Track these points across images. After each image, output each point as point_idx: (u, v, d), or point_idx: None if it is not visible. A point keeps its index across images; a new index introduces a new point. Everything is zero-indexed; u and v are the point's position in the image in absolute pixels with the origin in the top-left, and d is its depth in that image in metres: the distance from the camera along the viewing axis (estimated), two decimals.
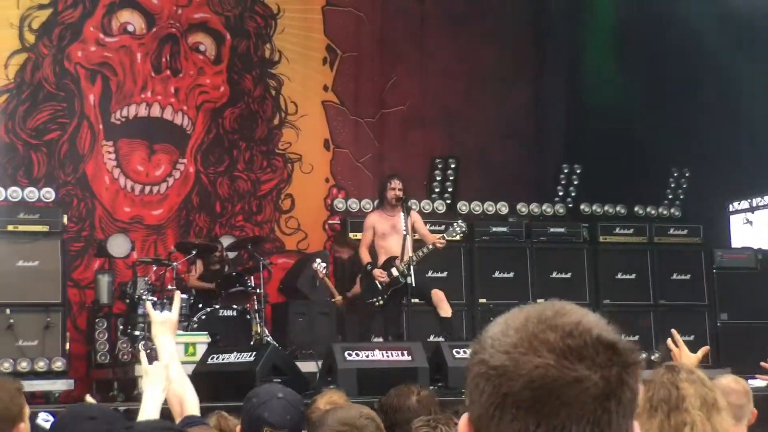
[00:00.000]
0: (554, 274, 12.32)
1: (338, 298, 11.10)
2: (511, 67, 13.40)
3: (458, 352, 9.30)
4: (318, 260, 10.91)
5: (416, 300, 10.10)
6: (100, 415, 3.00)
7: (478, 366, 1.30)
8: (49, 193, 10.87)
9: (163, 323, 3.53)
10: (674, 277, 12.64)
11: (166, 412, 3.35)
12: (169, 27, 12.89)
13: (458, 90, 13.56)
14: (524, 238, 12.34)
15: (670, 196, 13.34)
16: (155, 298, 10.43)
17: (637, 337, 11.59)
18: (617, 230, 12.73)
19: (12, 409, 3.16)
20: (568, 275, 12.38)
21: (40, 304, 10.36)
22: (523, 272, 12.12)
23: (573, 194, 13.13)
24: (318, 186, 13.40)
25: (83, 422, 2.93)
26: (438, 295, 9.79)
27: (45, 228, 10.55)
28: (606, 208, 12.98)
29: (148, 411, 3.33)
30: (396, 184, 9.98)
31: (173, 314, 3.57)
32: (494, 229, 12.25)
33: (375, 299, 9.88)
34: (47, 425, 3.56)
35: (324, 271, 10.77)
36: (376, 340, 10.47)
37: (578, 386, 1.25)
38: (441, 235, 9.92)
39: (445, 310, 9.75)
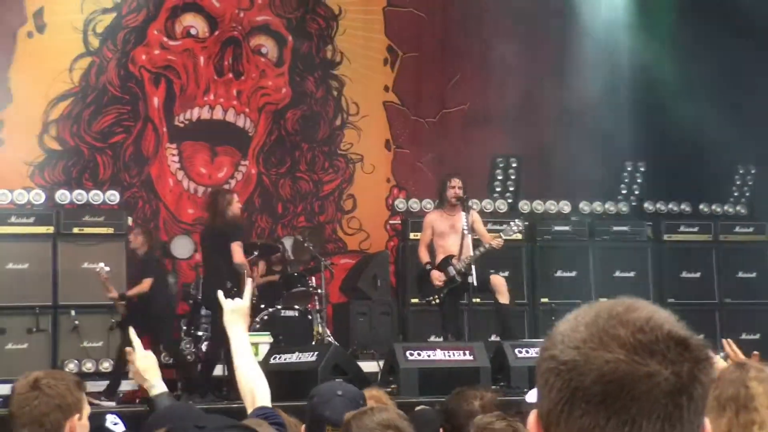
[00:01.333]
0: (617, 273, 12.19)
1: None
2: (573, 64, 13.26)
3: (520, 352, 9.26)
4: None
5: (477, 299, 10.06)
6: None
7: (548, 362, 1.30)
8: (113, 196, 11.02)
9: (234, 311, 3.42)
10: (740, 275, 12.45)
11: (233, 412, 3.36)
12: (231, 30, 12.99)
13: (520, 88, 13.47)
14: (587, 236, 12.24)
15: (735, 194, 13.13)
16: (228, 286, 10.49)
17: (702, 336, 11.43)
18: (682, 228, 12.56)
19: (68, 398, 3.18)
20: (632, 274, 12.25)
21: (104, 306, 10.51)
22: (586, 271, 12.01)
23: (636, 192, 12.98)
24: (379, 186, 13.41)
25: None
26: (498, 280, 9.74)
27: (110, 230, 10.72)
28: (670, 206, 12.82)
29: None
30: (456, 182, 9.95)
31: (245, 301, 3.44)
32: (556, 227, 12.17)
33: (432, 297, 9.87)
34: (116, 429, 3.57)
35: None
36: (434, 339, 10.46)
37: (649, 381, 1.25)
38: (498, 234, 9.86)
39: (504, 296, 9.66)
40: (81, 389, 3.23)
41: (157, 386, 3.52)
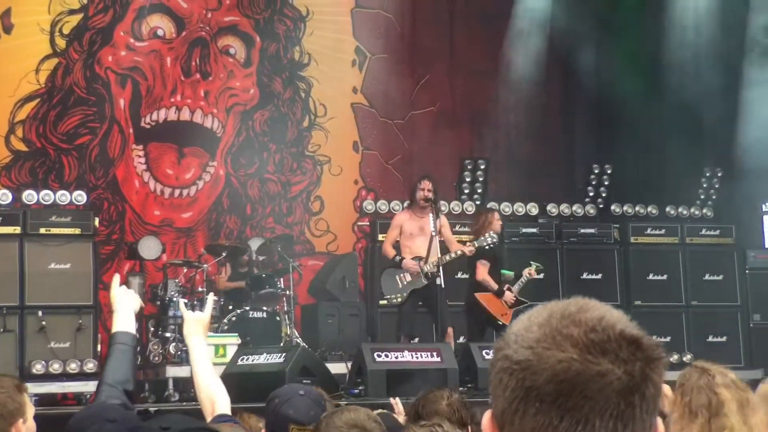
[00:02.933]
0: (585, 275, 12.27)
1: None
2: (539, 66, 13.33)
3: (488, 353, 9.31)
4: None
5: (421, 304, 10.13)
6: (121, 418, 2.99)
7: (502, 361, 1.31)
8: (80, 197, 10.93)
9: (196, 322, 3.55)
10: (706, 278, 12.54)
11: (196, 413, 3.36)
12: (198, 30, 12.94)
13: (488, 90, 13.53)
14: (554, 239, 12.30)
15: (702, 197, 13.23)
16: (186, 300, 10.47)
17: (668, 338, 11.53)
18: (648, 231, 12.64)
19: (8, 405, 3.17)
20: (599, 276, 12.33)
21: (72, 306, 10.45)
22: (554, 273, 12.05)
23: (604, 195, 13.05)
24: (347, 188, 13.41)
25: (102, 424, 2.91)
26: (449, 332, 9.87)
27: (77, 231, 10.64)
28: (637, 208, 12.90)
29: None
30: (426, 184, 10.02)
31: (206, 314, 3.58)
32: (524, 230, 12.22)
33: (394, 296, 9.92)
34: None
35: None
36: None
37: (601, 380, 1.25)
38: (472, 242, 10.01)
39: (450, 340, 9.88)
40: (22, 392, 3.22)
41: (119, 323, 3.34)
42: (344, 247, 13.01)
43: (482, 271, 10.20)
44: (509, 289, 10.29)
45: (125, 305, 3.36)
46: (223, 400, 3.33)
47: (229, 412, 3.27)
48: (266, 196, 13.09)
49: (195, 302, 10.47)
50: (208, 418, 3.27)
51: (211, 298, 3.80)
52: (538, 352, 1.27)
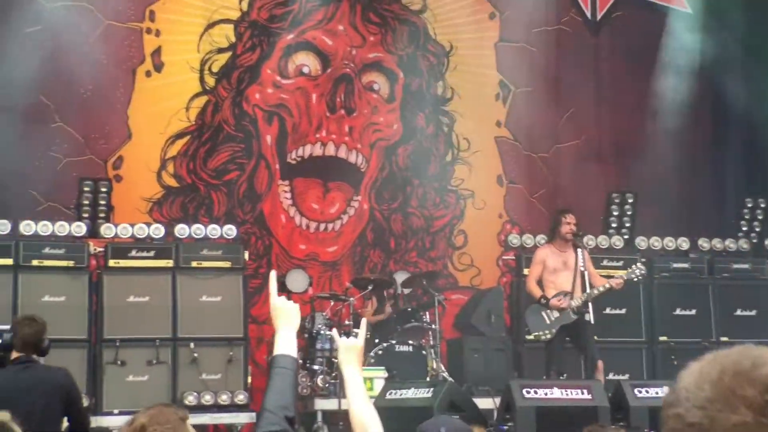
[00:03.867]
0: (738, 312, 11.89)
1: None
2: (687, 98, 13.05)
3: (640, 392, 9.10)
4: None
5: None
6: None
7: (674, 420, 1.26)
8: (231, 230, 11.14)
9: (349, 350, 3.44)
10: None
11: None
12: (343, 67, 13.12)
13: (634, 123, 13.31)
14: (706, 274, 11.98)
15: None
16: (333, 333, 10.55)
17: None
18: None
19: None
20: (753, 312, 11.94)
21: (223, 339, 10.62)
22: (706, 309, 11.74)
23: (757, 229, 12.65)
24: (491, 222, 13.33)
25: None
26: (599, 366, 9.66)
27: (227, 264, 10.84)
28: None
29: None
30: (571, 218, 9.93)
31: (359, 340, 3.48)
32: (675, 264, 11.93)
33: (542, 333, 9.79)
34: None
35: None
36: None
37: None
38: (620, 276, 9.83)
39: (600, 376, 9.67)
40: (185, 424, 3.24)
41: (280, 345, 3.23)
42: (488, 281, 12.92)
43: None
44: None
45: (286, 323, 3.29)
46: (375, 430, 3.28)
47: None
48: (409, 230, 13.13)
49: (342, 335, 10.51)
50: None
51: (364, 323, 3.74)
52: (710, 415, 1.22)
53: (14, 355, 6.37)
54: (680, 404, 1.26)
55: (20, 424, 6.18)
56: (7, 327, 6.45)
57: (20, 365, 6.32)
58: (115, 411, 9.97)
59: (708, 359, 1.29)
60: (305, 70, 13.02)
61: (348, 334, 10.15)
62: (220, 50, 12.76)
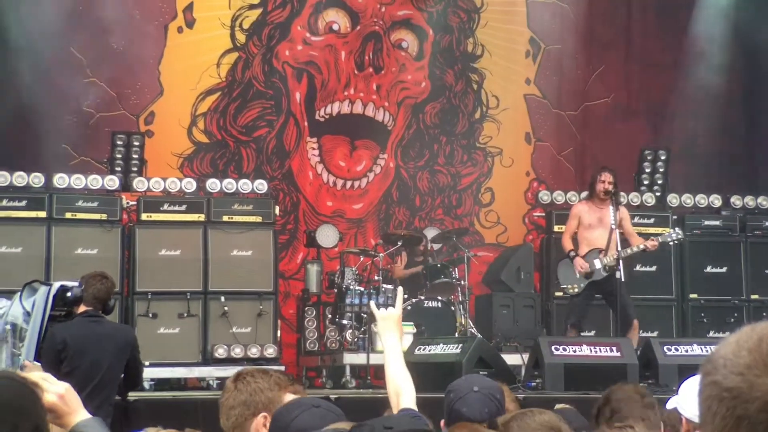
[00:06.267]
0: None
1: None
2: (720, 55, 12.93)
3: (669, 349, 9.12)
4: None
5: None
6: (326, 404, 3.04)
7: (710, 387, 1.27)
8: (261, 185, 11.15)
9: (386, 319, 3.52)
10: None
11: (372, 401, 3.39)
12: (372, 25, 13.07)
13: (665, 81, 13.21)
14: (738, 231, 11.89)
15: None
16: (362, 288, 10.62)
17: None
18: None
19: (256, 396, 3.14)
20: None
21: (253, 293, 10.68)
22: (737, 267, 11.68)
23: None
24: (518, 179, 13.32)
25: (308, 409, 2.97)
26: (635, 324, 9.64)
27: (258, 219, 10.88)
28: None
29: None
30: (607, 177, 9.89)
31: (396, 310, 3.55)
32: (706, 222, 11.86)
33: (570, 286, 9.79)
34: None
35: None
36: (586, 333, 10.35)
37: None
38: (656, 238, 9.80)
39: (635, 337, 9.61)
40: (281, 388, 3.19)
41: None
42: (514, 239, 12.93)
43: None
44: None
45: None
46: (408, 394, 3.35)
47: (414, 407, 3.28)
48: (436, 187, 13.13)
49: (371, 290, 10.59)
50: (395, 410, 3.31)
51: (400, 292, 3.77)
52: (749, 380, 1.24)
53: (82, 308, 6.54)
54: (717, 372, 1.27)
55: (88, 374, 6.37)
56: (76, 283, 6.61)
57: (89, 318, 6.51)
58: (147, 363, 10.00)
59: (745, 330, 1.30)
60: (335, 27, 12.99)
61: (378, 290, 10.17)
62: (252, 6, 12.75)
